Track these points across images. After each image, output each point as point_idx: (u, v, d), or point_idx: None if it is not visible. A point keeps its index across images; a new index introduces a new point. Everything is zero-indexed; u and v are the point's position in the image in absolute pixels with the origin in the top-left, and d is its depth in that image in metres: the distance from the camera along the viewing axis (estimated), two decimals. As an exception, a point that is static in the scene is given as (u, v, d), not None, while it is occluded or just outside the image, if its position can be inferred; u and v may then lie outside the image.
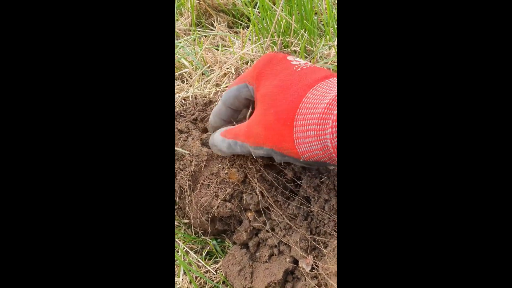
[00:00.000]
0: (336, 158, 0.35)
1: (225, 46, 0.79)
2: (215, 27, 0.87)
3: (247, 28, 0.88)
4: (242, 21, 0.89)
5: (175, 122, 0.53)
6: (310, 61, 0.61)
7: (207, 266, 0.52)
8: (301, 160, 0.38)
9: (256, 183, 0.49)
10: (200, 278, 0.51)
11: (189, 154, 0.50)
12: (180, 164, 0.50)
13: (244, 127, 0.42)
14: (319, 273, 0.45)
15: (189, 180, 0.50)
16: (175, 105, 0.56)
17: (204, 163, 0.50)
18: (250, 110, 0.47)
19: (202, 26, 0.89)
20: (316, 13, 0.69)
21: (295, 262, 0.49)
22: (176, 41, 0.75)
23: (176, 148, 0.50)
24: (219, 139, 0.45)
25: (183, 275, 0.51)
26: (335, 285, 0.42)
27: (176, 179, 0.51)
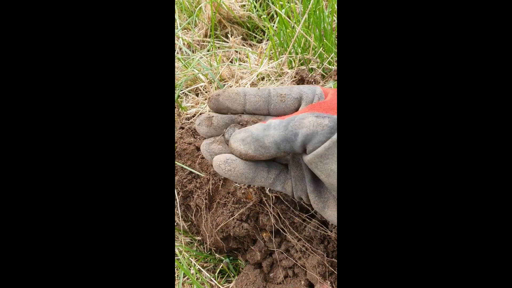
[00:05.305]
0: None
1: (239, 59, 0.79)
2: (229, 39, 0.87)
3: (262, 41, 0.87)
4: (256, 34, 0.89)
5: (193, 139, 0.52)
6: (329, 79, 0.61)
7: (220, 286, 0.51)
8: None
9: (272, 204, 0.49)
10: (213, 298, 0.50)
11: (206, 174, 0.50)
12: (197, 182, 0.50)
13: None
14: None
15: (205, 199, 0.49)
16: (192, 121, 0.56)
17: (221, 182, 0.50)
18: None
19: (216, 37, 0.89)
20: (333, 30, 0.69)
21: (311, 285, 0.48)
22: (191, 55, 0.75)
23: (192, 170, 0.49)
24: (260, 126, 0.34)
25: (196, 294, 0.50)
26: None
27: (193, 197, 0.50)
